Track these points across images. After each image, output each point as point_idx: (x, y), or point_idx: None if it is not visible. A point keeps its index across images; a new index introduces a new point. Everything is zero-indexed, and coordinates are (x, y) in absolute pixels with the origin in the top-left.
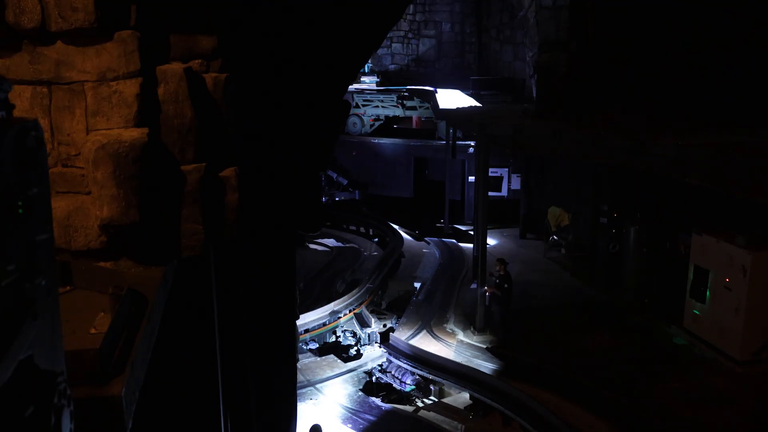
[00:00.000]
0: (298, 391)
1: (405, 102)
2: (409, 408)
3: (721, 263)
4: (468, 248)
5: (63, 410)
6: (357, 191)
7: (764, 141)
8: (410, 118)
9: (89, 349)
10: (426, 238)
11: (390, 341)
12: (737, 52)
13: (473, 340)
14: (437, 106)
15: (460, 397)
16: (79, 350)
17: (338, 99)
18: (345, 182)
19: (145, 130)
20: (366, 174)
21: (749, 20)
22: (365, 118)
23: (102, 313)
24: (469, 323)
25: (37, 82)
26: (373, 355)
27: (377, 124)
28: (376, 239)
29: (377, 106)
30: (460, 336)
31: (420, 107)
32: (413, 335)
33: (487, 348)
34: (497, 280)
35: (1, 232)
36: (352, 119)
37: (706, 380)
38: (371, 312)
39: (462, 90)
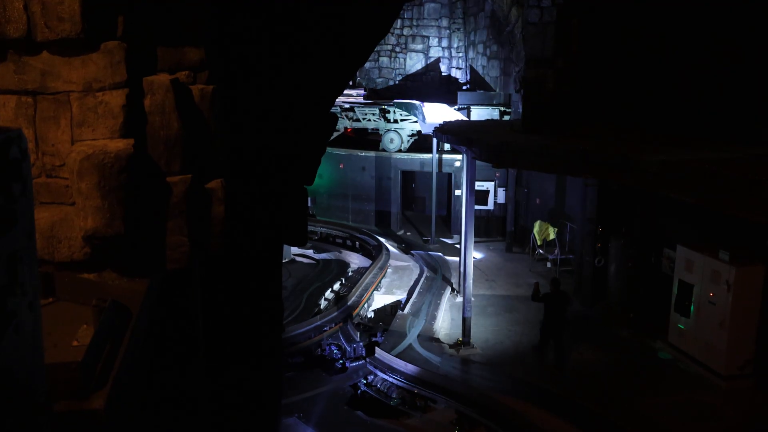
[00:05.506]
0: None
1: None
2: (393, 423)
3: (705, 278)
4: (454, 262)
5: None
6: None
7: (746, 157)
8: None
9: (71, 362)
10: (412, 251)
11: (375, 355)
12: (721, 68)
13: (459, 353)
14: (424, 119)
15: (446, 412)
16: (61, 363)
17: (325, 112)
18: None
19: (131, 141)
20: (353, 187)
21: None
22: None
23: (85, 326)
24: (454, 336)
25: (22, 92)
26: (359, 369)
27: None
28: (362, 252)
29: None
30: (446, 349)
31: (353, 120)
32: (399, 349)
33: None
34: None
35: None
36: None
37: (691, 395)
38: (357, 325)
39: (449, 104)
